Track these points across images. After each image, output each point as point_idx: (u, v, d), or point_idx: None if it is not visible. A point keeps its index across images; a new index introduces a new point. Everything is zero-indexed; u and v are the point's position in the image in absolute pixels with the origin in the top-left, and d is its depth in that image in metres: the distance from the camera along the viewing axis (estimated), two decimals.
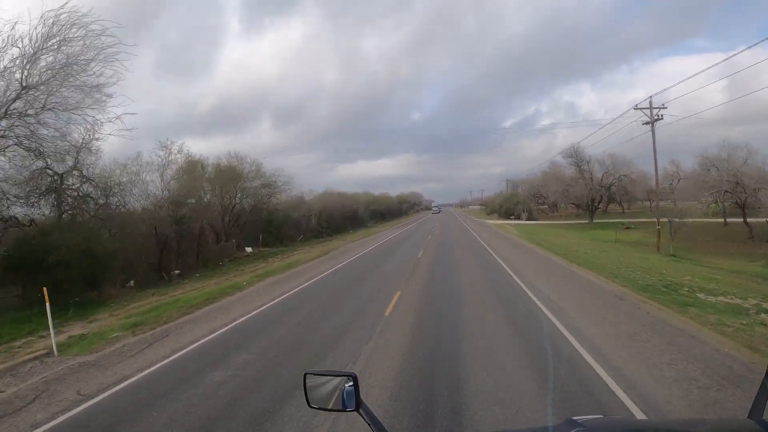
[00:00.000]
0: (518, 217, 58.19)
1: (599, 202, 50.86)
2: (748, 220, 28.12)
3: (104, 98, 12.88)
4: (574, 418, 1.54)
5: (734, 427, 1.76)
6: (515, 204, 59.65)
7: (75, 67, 12.19)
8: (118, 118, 13.70)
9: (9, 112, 11.66)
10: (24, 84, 11.82)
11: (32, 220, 13.99)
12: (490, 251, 20.02)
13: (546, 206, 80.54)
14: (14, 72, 11.64)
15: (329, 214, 47.69)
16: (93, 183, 15.43)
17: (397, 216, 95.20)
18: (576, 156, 50.53)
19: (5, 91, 11.61)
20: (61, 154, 13.53)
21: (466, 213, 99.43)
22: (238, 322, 9.11)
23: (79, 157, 14.30)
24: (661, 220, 23.05)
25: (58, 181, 14.10)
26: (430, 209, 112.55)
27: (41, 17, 11.70)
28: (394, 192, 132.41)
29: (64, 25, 11.83)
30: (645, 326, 7.20)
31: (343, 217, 55.07)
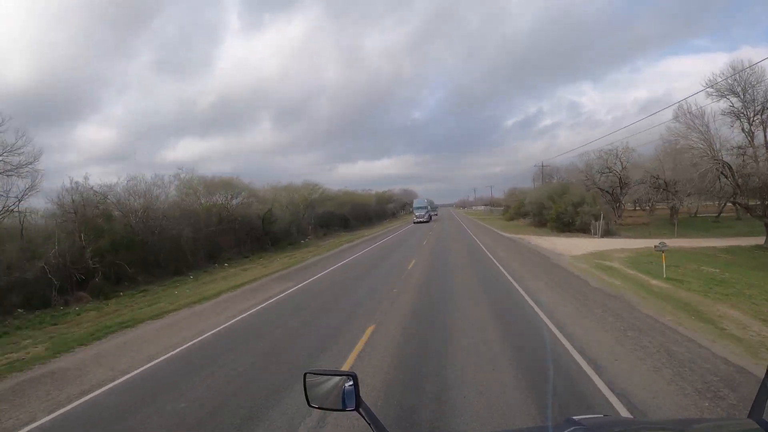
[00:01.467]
0: (583, 229, 29.60)
1: None
2: None
3: None
4: (574, 417, 1.57)
5: (734, 427, 1.77)
6: (576, 205, 30.85)
7: None
8: None
9: None
10: None
11: None
12: None
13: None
14: None
15: (154, 234, 19.06)
16: None
17: (376, 222, 66.35)
18: (743, 94, 21.75)
19: None
20: None
21: (474, 217, 70.08)
22: None
23: None
24: None
25: None
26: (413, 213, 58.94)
27: None
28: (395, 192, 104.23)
29: None
30: None
31: (227, 231, 26.42)
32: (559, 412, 4.17)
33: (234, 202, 27.64)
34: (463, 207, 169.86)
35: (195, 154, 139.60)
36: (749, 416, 1.43)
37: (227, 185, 26.99)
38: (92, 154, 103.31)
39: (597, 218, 29.04)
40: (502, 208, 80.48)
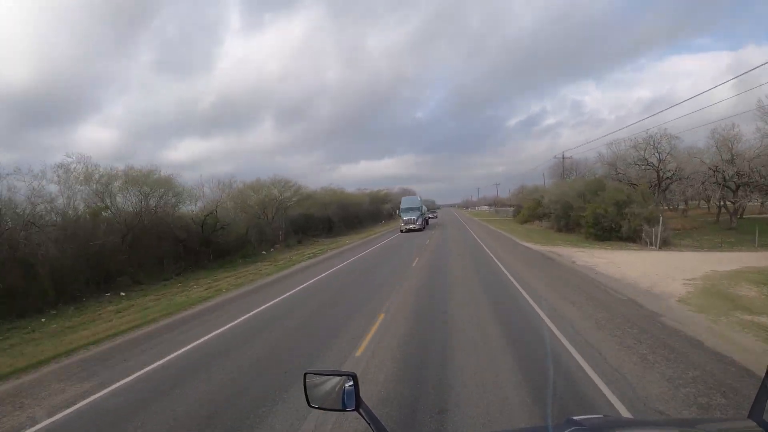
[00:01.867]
0: (630, 237, 21.97)
1: None
2: None
3: None
4: (574, 417, 1.52)
5: (734, 427, 1.72)
6: (620, 205, 23.08)
7: None
8: None
9: None
10: None
11: None
12: None
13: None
14: None
15: None
16: None
17: (369, 225, 58.71)
18: None
19: None
20: None
21: (480, 219, 62.06)
22: None
23: None
24: None
25: None
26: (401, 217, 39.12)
27: None
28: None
29: None
30: None
31: (142, 243, 18.85)
32: None
33: (152, 203, 19.97)
34: (466, 207, 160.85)
35: (196, 154, 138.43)
36: (749, 416, 1.41)
37: (141, 181, 19.29)
38: (94, 154, 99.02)
39: (653, 223, 21.31)
40: (508, 209, 73.07)
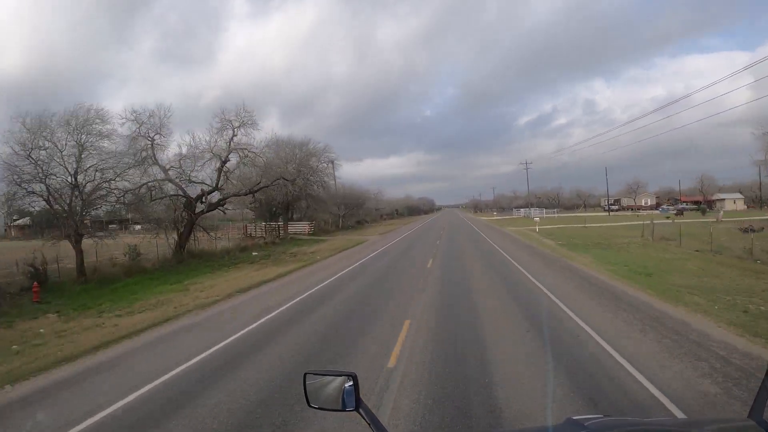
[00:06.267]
0: None
1: None
2: None
3: None
4: (575, 417, 1.49)
5: (734, 427, 1.68)
6: None
7: None
8: None
9: None
10: None
11: None
12: None
13: None
14: None
15: None
16: None
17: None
18: None
19: None
20: None
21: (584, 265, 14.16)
22: None
23: None
24: None
25: None
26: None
27: None
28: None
29: None
30: None
31: None
32: None
33: None
34: (478, 210, 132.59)
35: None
36: (749, 416, 1.37)
37: None
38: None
39: None
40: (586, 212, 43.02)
